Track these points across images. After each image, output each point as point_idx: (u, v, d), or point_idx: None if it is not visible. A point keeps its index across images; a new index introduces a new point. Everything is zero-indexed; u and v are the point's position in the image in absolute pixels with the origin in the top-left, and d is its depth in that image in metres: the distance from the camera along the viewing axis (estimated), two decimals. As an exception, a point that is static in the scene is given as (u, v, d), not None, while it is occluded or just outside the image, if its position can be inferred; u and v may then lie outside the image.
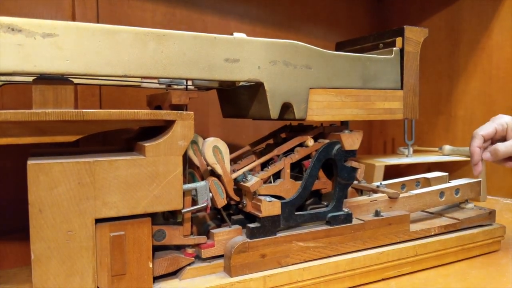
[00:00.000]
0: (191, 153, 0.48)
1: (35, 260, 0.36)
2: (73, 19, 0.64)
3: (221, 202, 0.47)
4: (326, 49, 0.50)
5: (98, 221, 0.38)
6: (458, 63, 1.12)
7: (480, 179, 0.69)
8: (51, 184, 0.36)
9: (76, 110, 0.37)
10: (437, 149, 1.09)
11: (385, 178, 0.92)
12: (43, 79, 0.37)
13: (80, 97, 0.66)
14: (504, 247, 0.69)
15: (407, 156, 1.02)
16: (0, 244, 0.58)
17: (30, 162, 0.36)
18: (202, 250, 0.46)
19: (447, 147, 1.05)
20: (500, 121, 0.62)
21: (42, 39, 0.35)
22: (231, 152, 0.50)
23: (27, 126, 0.36)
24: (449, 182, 0.68)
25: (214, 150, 0.47)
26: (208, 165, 0.47)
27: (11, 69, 0.34)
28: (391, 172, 0.98)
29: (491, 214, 0.67)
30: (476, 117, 1.10)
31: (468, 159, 1.01)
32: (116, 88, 0.65)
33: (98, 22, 0.67)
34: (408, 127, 1.03)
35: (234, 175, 0.48)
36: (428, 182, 0.71)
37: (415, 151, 1.09)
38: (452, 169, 1.04)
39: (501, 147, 0.59)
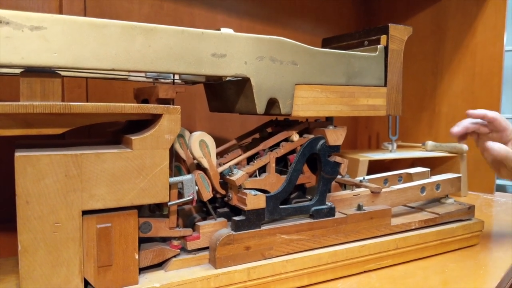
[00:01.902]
0: (177, 147, 0.48)
1: (22, 251, 0.36)
2: (60, 10, 0.64)
3: (207, 195, 0.48)
4: (313, 44, 0.51)
5: (85, 213, 0.39)
6: (442, 61, 1.14)
7: (461, 174, 0.71)
8: (38, 176, 0.36)
9: (63, 103, 0.37)
10: (420, 144, 1.11)
11: (369, 173, 0.94)
12: (31, 71, 0.37)
13: (67, 89, 0.65)
14: (483, 241, 0.71)
15: (391, 151, 1.04)
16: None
17: (17, 154, 0.36)
18: (188, 242, 0.46)
19: (430, 143, 1.07)
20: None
21: (30, 31, 0.36)
22: (217, 146, 0.50)
23: (15, 118, 0.36)
24: (430, 178, 0.70)
25: (200, 144, 0.48)
26: (194, 158, 0.48)
27: (2, 64, 0.35)
28: (375, 167, 1.00)
29: (471, 209, 0.69)
30: (459, 114, 1.12)
31: (451, 155, 1.03)
32: (103, 80, 0.65)
33: (85, 14, 0.67)
34: (392, 123, 1.05)
35: (220, 169, 0.49)
36: (410, 177, 0.73)
37: (399, 147, 1.11)
38: (434, 164, 1.06)
39: (496, 146, 0.61)
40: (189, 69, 0.42)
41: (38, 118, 0.37)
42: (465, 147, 1.01)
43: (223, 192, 0.50)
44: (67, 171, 0.37)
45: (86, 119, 0.39)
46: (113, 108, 0.39)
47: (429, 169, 0.75)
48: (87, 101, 0.67)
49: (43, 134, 0.38)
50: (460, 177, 0.70)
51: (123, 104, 0.39)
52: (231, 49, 0.45)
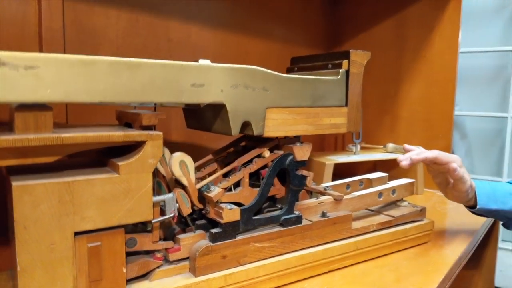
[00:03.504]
0: (157, 164, 0.52)
1: (20, 271, 0.40)
2: (39, 27, 0.66)
3: (186, 210, 0.52)
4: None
5: (76, 233, 0.43)
6: (402, 68, 1.22)
7: (413, 180, 0.78)
8: (34, 203, 0.40)
9: (56, 135, 0.40)
10: (382, 146, 1.19)
11: (334, 174, 1.01)
12: (25, 106, 0.40)
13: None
14: (434, 239, 0.79)
15: (355, 153, 1.11)
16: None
17: (14, 183, 0.39)
18: (170, 254, 0.51)
19: (390, 145, 1.15)
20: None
21: (25, 71, 0.39)
22: (194, 153, 0.55)
23: (11, 151, 0.40)
24: (387, 183, 0.77)
25: (180, 164, 0.52)
26: (175, 177, 0.52)
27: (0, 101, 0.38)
28: (341, 168, 1.07)
29: (422, 211, 0.77)
30: (418, 118, 1.21)
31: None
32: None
33: (64, 29, 0.69)
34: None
35: (198, 186, 0.54)
36: (370, 182, 0.80)
37: (362, 148, 1.18)
38: (395, 165, 1.14)
39: (426, 152, 0.68)
40: (171, 98, 0.47)
41: (32, 149, 0.41)
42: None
43: (200, 206, 0.55)
44: (61, 197, 0.41)
45: (76, 147, 0.43)
46: (102, 137, 0.43)
47: (387, 174, 0.82)
48: (66, 114, 0.70)
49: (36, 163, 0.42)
50: (413, 182, 0.78)
51: (111, 133, 0.43)
52: (208, 79, 0.49)
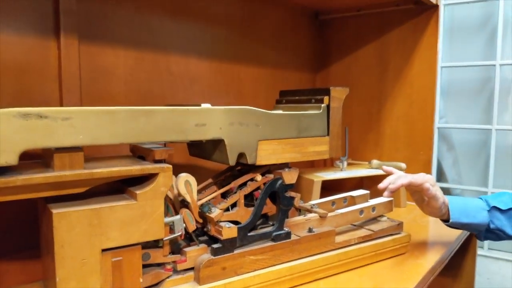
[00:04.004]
0: (167, 190, 0.62)
1: (59, 282, 0.49)
2: (59, 69, 0.75)
3: (191, 227, 0.62)
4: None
5: (103, 250, 0.52)
6: (385, 88, 1.33)
7: (392, 199, 0.87)
8: (70, 227, 0.49)
9: (87, 171, 0.50)
10: (367, 163, 1.29)
11: (324, 188, 1.10)
12: (62, 148, 0.50)
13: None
14: (411, 250, 0.88)
15: (341, 169, 1.21)
16: (4, 263, 0.69)
17: (54, 211, 0.49)
18: (178, 264, 0.60)
19: (375, 162, 1.25)
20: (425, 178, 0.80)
21: (62, 121, 0.48)
22: (195, 170, 0.64)
23: (51, 185, 0.49)
24: (368, 201, 0.87)
25: (185, 183, 0.62)
26: (180, 195, 0.62)
27: (41, 146, 0.47)
28: (330, 183, 1.16)
29: (400, 225, 0.86)
30: (400, 135, 1.31)
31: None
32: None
33: (80, 68, 0.78)
34: (342, 145, 1.22)
35: (199, 203, 0.63)
36: (353, 199, 0.89)
37: (349, 164, 1.28)
38: (379, 180, 1.23)
39: (402, 178, 0.78)
40: (178, 137, 0.56)
41: (68, 183, 0.50)
42: (403, 165, 1.19)
43: (200, 220, 0.64)
44: (90, 221, 0.51)
45: (102, 180, 0.52)
46: (124, 171, 0.52)
47: (368, 192, 0.91)
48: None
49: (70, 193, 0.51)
50: (391, 200, 0.87)
51: (130, 167, 0.53)
52: (209, 119, 0.59)
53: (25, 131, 0.46)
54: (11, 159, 0.46)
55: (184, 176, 0.61)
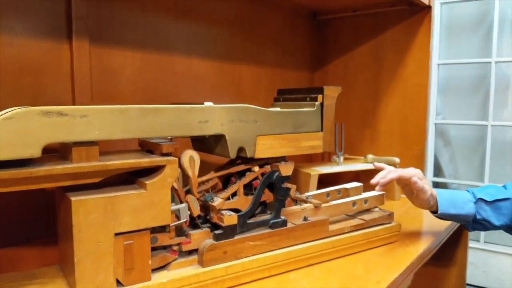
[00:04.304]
0: (173, 181, 0.67)
1: (77, 262, 0.55)
2: (72, 70, 0.81)
3: (196, 212, 0.68)
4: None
5: (116, 234, 0.58)
6: (380, 86, 1.38)
7: (383, 192, 0.92)
8: (86, 213, 0.55)
9: (101, 163, 0.56)
10: (363, 157, 1.34)
11: (322, 182, 1.16)
12: (79, 143, 0.56)
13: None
14: (401, 239, 0.94)
15: (338, 164, 1.27)
16: (19, 249, 0.75)
17: (73, 198, 0.54)
18: (183, 246, 0.66)
19: (370, 156, 1.30)
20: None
21: (80, 118, 0.54)
22: (202, 174, 0.70)
23: (70, 176, 0.55)
24: (362, 194, 0.92)
25: (190, 159, 0.67)
26: (183, 168, 0.67)
27: (62, 140, 0.53)
28: (327, 177, 1.22)
29: (390, 215, 0.92)
30: (394, 131, 1.37)
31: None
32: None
33: (91, 70, 0.84)
34: (338, 140, 1.27)
35: (200, 189, 0.69)
36: (347, 191, 0.95)
37: (345, 159, 1.34)
38: (374, 174, 1.29)
39: (392, 173, 0.84)
40: (183, 133, 0.62)
41: (84, 174, 0.56)
42: (397, 160, 1.25)
43: (198, 196, 0.69)
44: (105, 208, 0.56)
45: (115, 171, 0.58)
46: (134, 163, 0.58)
47: (362, 184, 0.97)
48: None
49: (86, 183, 0.57)
50: (383, 194, 0.93)
51: (140, 160, 0.59)
52: (211, 116, 0.64)
53: (47, 127, 0.52)
54: (36, 152, 0.52)
55: (189, 152, 0.67)
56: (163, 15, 0.98)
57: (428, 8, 1.27)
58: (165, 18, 0.98)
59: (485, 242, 2.36)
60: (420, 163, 1.32)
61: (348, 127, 1.40)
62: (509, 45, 2.19)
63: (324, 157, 1.47)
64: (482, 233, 2.33)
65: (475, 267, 2.41)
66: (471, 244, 2.37)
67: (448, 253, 1.32)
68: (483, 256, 2.36)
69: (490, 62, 2.21)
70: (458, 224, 1.15)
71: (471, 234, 2.40)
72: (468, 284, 2.41)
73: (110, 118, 0.56)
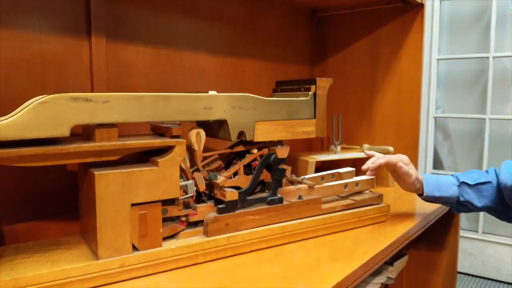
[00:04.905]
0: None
1: (99, 227, 0.64)
2: (90, 64, 0.90)
3: (202, 187, 0.77)
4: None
5: (132, 204, 0.67)
6: (376, 80, 1.46)
7: (374, 177, 1.00)
8: (107, 185, 0.64)
9: (121, 143, 0.65)
10: (359, 147, 1.42)
11: (319, 170, 1.24)
12: (102, 125, 0.65)
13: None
14: (390, 220, 1.02)
15: (335, 153, 1.35)
16: (44, 223, 0.85)
17: (96, 172, 0.64)
18: (190, 217, 0.75)
19: (366, 146, 1.39)
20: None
21: (102, 104, 0.63)
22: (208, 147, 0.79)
23: (93, 153, 0.64)
24: (353, 178, 1.01)
25: (196, 135, 0.76)
26: (189, 142, 0.76)
27: (87, 122, 0.62)
28: (324, 166, 1.30)
29: (380, 197, 1.00)
30: (390, 122, 1.44)
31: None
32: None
33: (107, 64, 0.93)
34: (335, 131, 1.36)
35: (204, 164, 0.77)
36: (340, 175, 1.03)
37: (343, 148, 1.42)
38: (369, 162, 1.38)
39: (380, 158, 0.92)
40: (190, 118, 0.71)
41: (105, 151, 0.65)
42: (391, 149, 1.33)
43: (202, 168, 0.78)
44: (123, 181, 0.65)
45: (132, 150, 0.67)
46: (150, 143, 0.67)
47: (354, 169, 1.05)
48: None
49: (106, 160, 0.66)
50: (374, 178, 1.01)
51: (154, 140, 0.68)
52: (215, 103, 0.73)
53: (75, 111, 0.61)
54: (65, 131, 0.61)
55: (196, 129, 0.76)
56: (172, 14, 1.07)
57: (420, 6, 1.34)
58: (173, 17, 1.07)
59: (483, 232, 2.43)
60: (413, 152, 1.39)
61: (346, 118, 1.49)
62: (510, 40, 2.25)
63: (324, 147, 1.55)
64: (480, 224, 2.40)
65: (473, 257, 2.49)
66: (469, 234, 2.45)
67: (440, 238, 1.41)
68: (481, 246, 2.43)
69: (488, 57, 2.27)
70: (447, 209, 1.23)
71: (469, 225, 2.47)
72: (467, 274, 2.49)
73: (128, 104, 0.65)
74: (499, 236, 2.39)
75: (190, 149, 0.77)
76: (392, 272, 1.39)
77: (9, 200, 0.80)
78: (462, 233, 2.47)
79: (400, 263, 1.42)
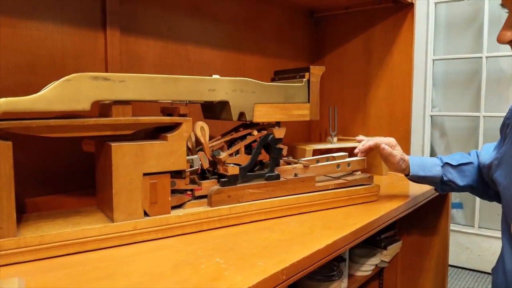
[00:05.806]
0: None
1: (114, 193, 0.73)
2: (105, 54, 0.99)
3: (206, 165, 0.85)
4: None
5: (144, 174, 0.75)
6: (370, 75, 1.54)
7: (364, 158, 1.08)
8: (122, 155, 0.73)
9: (135, 118, 0.73)
10: (354, 138, 1.50)
11: (316, 159, 1.32)
12: (118, 102, 0.73)
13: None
14: (381, 200, 1.10)
15: (331, 143, 1.43)
16: (61, 197, 0.93)
17: (112, 144, 0.72)
18: (195, 191, 0.84)
19: (360, 137, 1.46)
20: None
21: (119, 83, 0.72)
22: (211, 135, 0.87)
23: (110, 126, 0.72)
24: (345, 159, 1.09)
25: (201, 129, 0.84)
26: (196, 136, 0.84)
27: (105, 98, 0.71)
28: (319, 154, 1.38)
29: (370, 178, 1.08)
30: (383, 115, 1.53)
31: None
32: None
33: (120, 55, 1.02)
34: (332, 122, 1.44)
35: (211, 145, 0.86)
36: (334, 159, 1.11)
37: (339, 139, 1.50)
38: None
39: (370, 141, 1.00)
40: (196, 98, 0.80)
41: (120, 126, 0.73)
42: (384, 139, 1.41)
43: (210, 157, 0.86)
44: (136, 152, 0.74)
45: (144, 125, 0.76)
46: (160, 120, 0.76)
47: (347, 154, 1.13)
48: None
49: (121, 134, 0.74)
50: (364, 159, 1.09)
51: (164, 117, 0.76)
52: (218, 86, 0.82)
53: (95, 88, 0.70)
54: (86, 106, 0.69)
55: (200, 123, 0.85)
56: (179, 12, 1.16)
57: (411, 5, 1.43)
58: (181, 14, 1.16)
59: (479, 227, 2.49)
60: (406, 143, 1.47)
61: (342, 112, 1.57)
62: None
63: (322, 138, 1.63)
64: (476, 218, 2.47)
65: (470, 251, 2.55)
66: (466, 229, 2.52)
67: (431, 224, 1.48)
68: (477, 240, 2.49)
69: (481, 57, 2.35)
70: (437, 194, 1.31)
71: (466, 220, 2.54)
72: (464, 268, 2.55)
73: (141, 83, 0.74)
74: (494, 230, 2.45)
75: (198, 142, 0.86)
76: (386, 256, 1.47)
77: (31, 176, 0.89)
78: (458, 228, 2.53)
79: (394, 248, 1.50)
